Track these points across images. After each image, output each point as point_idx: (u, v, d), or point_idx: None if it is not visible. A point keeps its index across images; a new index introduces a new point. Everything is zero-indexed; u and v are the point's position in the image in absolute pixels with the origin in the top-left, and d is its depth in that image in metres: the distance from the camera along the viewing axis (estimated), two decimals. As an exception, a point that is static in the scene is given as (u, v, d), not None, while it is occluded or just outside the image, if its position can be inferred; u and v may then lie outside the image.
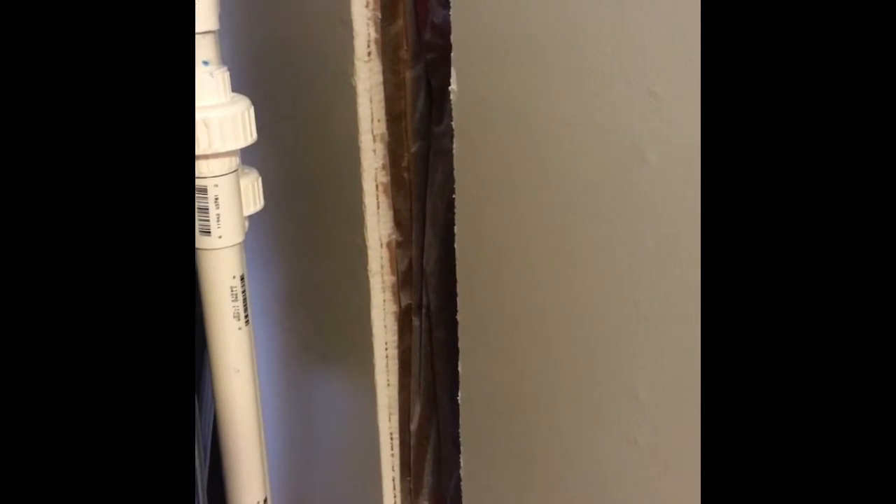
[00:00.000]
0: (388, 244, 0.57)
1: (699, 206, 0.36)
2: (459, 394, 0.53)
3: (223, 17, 0.48)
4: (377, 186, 0.55)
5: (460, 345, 0.52)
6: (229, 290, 0.49)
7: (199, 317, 0.51)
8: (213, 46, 0.47)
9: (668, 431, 0.41)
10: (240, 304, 0.50)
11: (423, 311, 0.58)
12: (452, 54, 0.46)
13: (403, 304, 0.58)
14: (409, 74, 0.53)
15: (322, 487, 0.72)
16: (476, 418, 0.53)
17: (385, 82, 0.53)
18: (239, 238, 0.50)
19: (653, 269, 0.39)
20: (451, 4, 0.45)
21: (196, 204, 0.48)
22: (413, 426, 0.60)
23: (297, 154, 0.61)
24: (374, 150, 0.54)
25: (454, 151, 0.48)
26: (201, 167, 0.47)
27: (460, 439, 0.54)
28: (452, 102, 0.47)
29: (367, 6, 0.51)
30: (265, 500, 0.55)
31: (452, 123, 0.47)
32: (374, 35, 0.52)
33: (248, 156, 0.52)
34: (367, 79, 0.52)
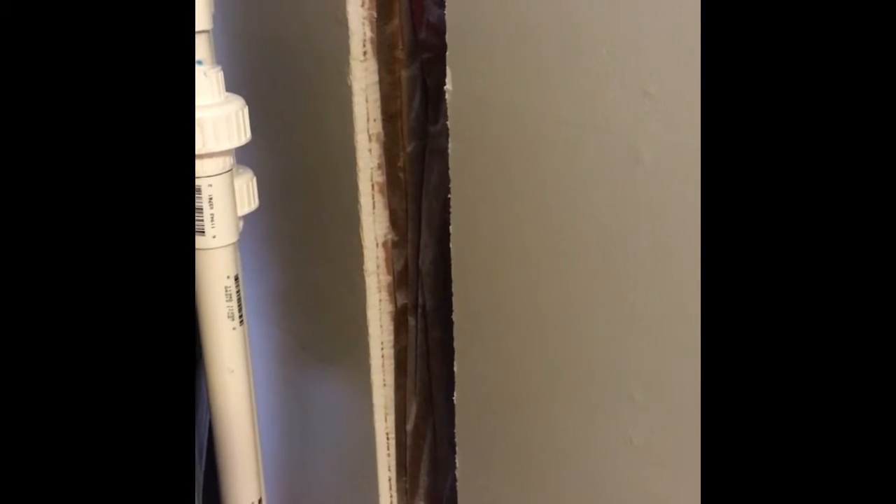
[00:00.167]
0: (384, 244, 0.57)
1: (694, 206, 0.36)
2: (455, 394, 0.53)
3: (218, 16, 0.48)
4: (373, 186, 0.55)
5: (456, 345, 0.52)
6: (223, 290, 0.49)
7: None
8: (207, 46, 0.46)
9: (664, 431, 0.41)
10: (234, 304, 0.50)
11: (419, 310, 0.57)
12: (447, 54, 0.46)
13: (399, 303, 0.58)
14: (404, 74, 0.52)
15: (318, 487, 0.72)
16: (471, 418, 0.53)
17: (381, 82, 0.53)
18: (233, 238, 0.49)
19: (648, 269, 0.39)
20: (446, 4, 0.45)
21: (191, 204, 0.48)
22: (409, 426, 0.60)
23: (292, 154, 0.61)
24: (370, 150, 0.54)
25: (449, 151, 0.48)
26: (195, 167, 0.47)
27: (456, 439, 0.54)
28: (448, 102, 0.47)
29: (362, 5, 0.51)
30: (260, 501, 0.55)
31: (448, 123, 0.47)
32: (369, 34, 0.52)
33: (244, 155, 0.52)
34: (363, 78, 0.52)
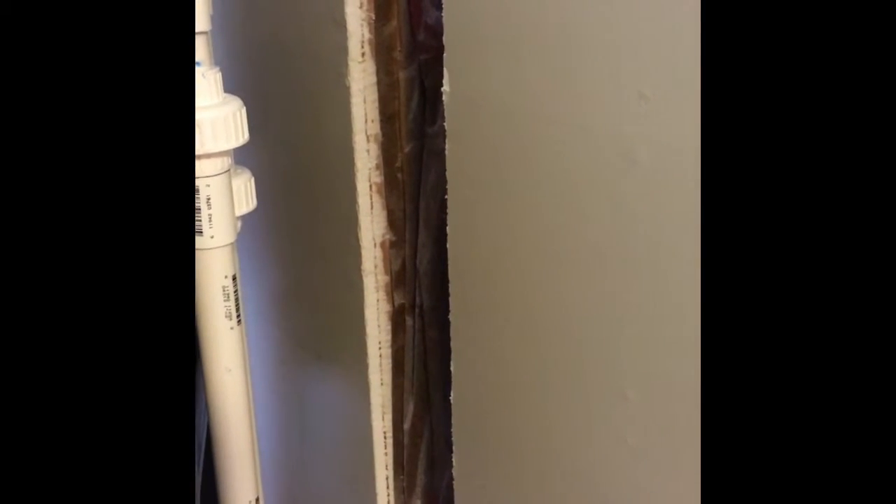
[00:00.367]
0: (382, 244, 0.57)
1: (689, 207, 0.36)
2: (452, 393, 0.53)
3: (216, 17, 0.48)
4: (371, 186, 0.55)
5: (452, 344, 0.52)
6: (221, 289, 0.50)
7: (192, 316, 0.51)
8: (205, 47, 0.47)
9: (658, 431, 0.41)
10: (232, 303, 0.50)
11: (417, 310, 0.58)
12: (445, 55, 0.46)
13: (397, 303, 0.58)
14: (402, 75, 0.53)
15: (315, 486, 0.72)
16: (468, 417, 0.53)
17: (379, 83, 0.53)
18: (231, 238, 0.50)
19: (643, 271, 0.39)
20: (444, 5, 0.45)
21: (189, 204, 0.48)
22: (406, 425, 0.60)
23: (290, 154, 0.62)
24: (368, 151, 0.54)
25: (446, 152, 0.48)
26: (194, 167, 0.47)
27: (452, 438, 0.54)
28: (445, 103, 0.47)
29: (360, 7, 0.51)
30: (257, 500, 0.56)
31: (445, 124, 0.47)
32: (367, 36, 0.52)
33: (242, 156, 0.53)
34: (361, 79, 0.52)
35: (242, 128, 0.48)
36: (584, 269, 0.42)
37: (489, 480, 0.52)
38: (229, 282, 0.50)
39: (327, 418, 0.67)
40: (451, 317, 0.51)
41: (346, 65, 0.52)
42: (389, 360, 0.59)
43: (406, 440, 0.61)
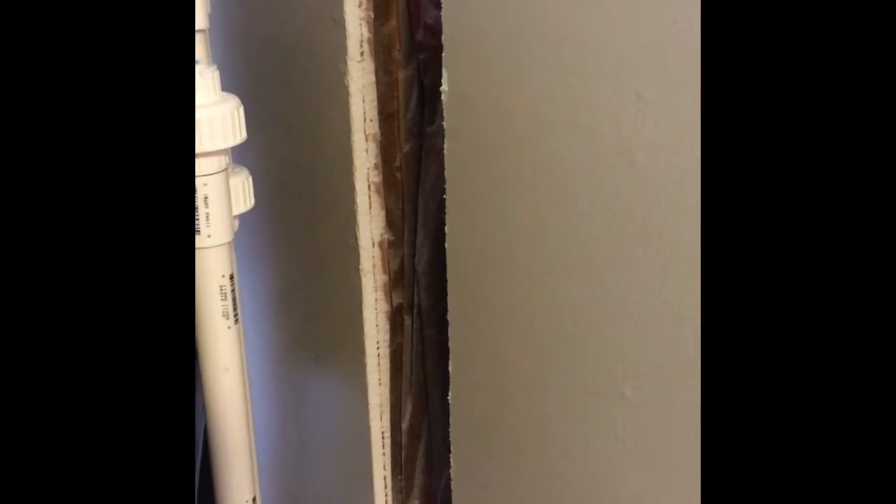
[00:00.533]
0: (380, 243, 0.57)
1: (687, 208, 0.36)
2: (450, 393, 0.53)
3: (214, 15, 0.48)
4: (369, 186, 0.55)
5: (450, 344, 0.52)
6: (218, 288, 0.49)
7: (189, 315, 0.51)
8: (202, 46, 0.47)
9: (657, 431, 0.41)
10: (229, 302, 0.50)
11: (415, 310, 0.58)
12: (443, 54, 0.46)
13: (395, 303, 0.58)
14: (401, 74, 0.53)
15: (313, 486, 0.72)
16: (466, 418, 0.53)
17: (377, 82, 0.53)
18: (228, 237, 0.50)
19: (641, 271, 0.39)
20: (443, 5, 0.45)
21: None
22: (404, 425, 0.60)
23: (289, 153, 0.61)
24: (367, 150, 0.54)
25: (445, 152, 0.48)
26: (192, 166, 0.47)
27: (450, 438, 0.54)
28: (444, 103, 0.47)
29: (359, 6, 0.51)
30: (254, 499, 0.56)
31: (444, 124, 0.47)
32: (366, 35, 0.52)
33: (240, 155, 0.53)
34: (360, 78, 0.52)
35: (240, 126, 0.48)
36: (583, 269, 0.42)
37: (487, 480, 0.52)
38: (226, 281, 0.50)
39: (325, 418, 0.67)
40: (449, 317, 0.51)
41: (345, 64, 0.52)
42: (387, 360, 0.59)
43: (404, 440, 0.61)
